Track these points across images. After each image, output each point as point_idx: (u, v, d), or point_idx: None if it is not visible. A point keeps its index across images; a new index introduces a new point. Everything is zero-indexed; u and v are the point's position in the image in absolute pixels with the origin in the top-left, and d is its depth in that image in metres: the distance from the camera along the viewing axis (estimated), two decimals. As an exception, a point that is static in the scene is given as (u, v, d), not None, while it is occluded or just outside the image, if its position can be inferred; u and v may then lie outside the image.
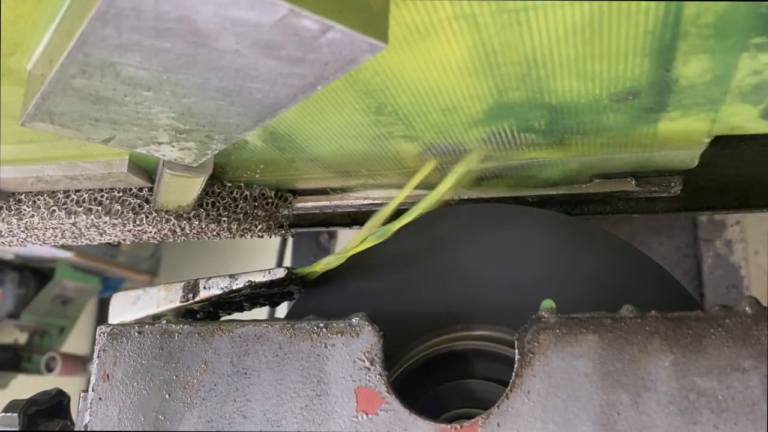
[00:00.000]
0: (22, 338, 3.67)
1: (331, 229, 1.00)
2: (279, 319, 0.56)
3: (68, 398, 0.74)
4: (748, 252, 1.25)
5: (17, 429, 0.69)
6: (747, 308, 0.45)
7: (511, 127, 0.54)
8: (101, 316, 4.77)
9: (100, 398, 0.57)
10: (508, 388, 0.48)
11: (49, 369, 3.22)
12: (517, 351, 0.48)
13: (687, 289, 0.56)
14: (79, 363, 3.54)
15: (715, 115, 0.50)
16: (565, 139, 0.56)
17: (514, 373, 0.48)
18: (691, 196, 0.72)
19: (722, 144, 0.66)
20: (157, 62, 0.36)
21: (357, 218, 0.81)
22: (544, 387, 0.47)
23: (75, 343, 4.14)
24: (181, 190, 0.64)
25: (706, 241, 1.24)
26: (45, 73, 0.41)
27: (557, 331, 0.48)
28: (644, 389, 0.45)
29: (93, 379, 0.58)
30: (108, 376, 0.58)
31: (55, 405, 0.73)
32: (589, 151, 0.58)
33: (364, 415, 0.50)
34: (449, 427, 0.48)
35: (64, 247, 3.31)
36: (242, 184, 0.72)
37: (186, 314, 0.66)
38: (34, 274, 3.66)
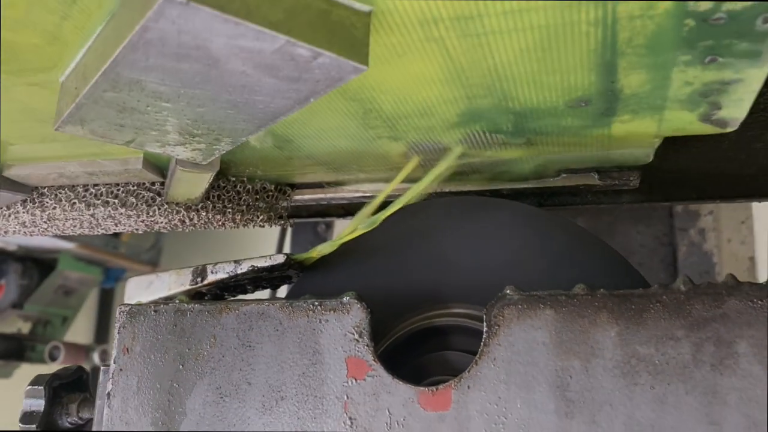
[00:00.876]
0: (25, 328, 3.74)
1: (327, 219, 1.06)
2: (279, 299, 0.64)
3: (87, 373, 0.82)
4: (720, 240, 1.32)
5: (43, 400, 0.77)
6: (681, 286, 0.53)
7: (482, 128, 0.61)
8: (103, 307, 4.84)
9: (120, 369, 0.65)
10: (477, 356, 0.55)
11: (53, 358, 3.28)
12: (485, 324, 0.56)
13: (637, 270, 0.63)
14: (82, 352, 3.61)
15: (660, 119, 0.58)
16: (531, 139, 0.63)
17: (482, 343, 0.55)
18: (653, 188, 0.80)
19: (675, 143, 0.73)
20: (176, 80, 0.44)
21: (350, 209, 0.88)
22: (507, 354, 0.54)
23: (77, 332, 4.21)
24: (191, 184, 0.71)
25: (682, 230, 1.31)
26: (79, 87, 0.48)
27: (519, 306, 0.55)
28: (593, 356, 0.53)
29: (114, 352, 0.66)
30: (128, 349, 0.65)
31: (75, 379, 0.80)
32: (553, 150, 0.65)
33: (354, 381, 0.58)
34: (426, 389, 0.56)
35: (66, 238, 3.38)
36: (245, 179, 0.79)
37: (195, 296, 0.74)
38: (37, 265, 3.72)
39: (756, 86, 0.51)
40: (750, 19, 0.42)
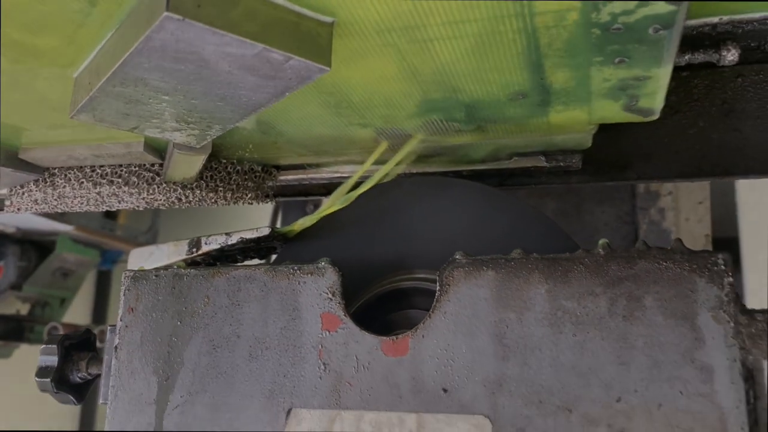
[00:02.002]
0: (24, 309, 3.82)
1: (315, 198, 1.16)
2: (264, 264, 0.73)
3: (95, 335, 0.91)
4: (679, 219, 1.43)
5: (56, 357, 0.86)
6: (600, 250, 0.63)
7: (439, 117, 0.70)
8: (100, 288, 4.92)
9: (126, 326, 0.75)
10: (431, 310, 0.65)
11: (52, 338, 3.37)
12: (438, 284, 0.66)
13: (572, 238, 0.73)
14: (80, 332, 3.69)
15: (589, 109, 0.67)
16: (482, 126, 0.72)
17: (435, 300, 0.65)
18: (598, 169, 0.89)
19: (617, 129, 0.83)
20: (174, 78, 0.53)
21: (329, 188, 0.98)
22: (455, 308, 0.64)
23: (75, 313, 4.29)
24: (186, 165, 0.81)
25: (643, 209, 1.41)
26: (92, 82, 0.57)
27: (466, 268, 0.65)
28: (526, 309, 0.63)
29: (120, 311, 0.75)
30: (132, 309, 0.75)
31: (84, 340, 0.90)
32: (502, 135, 0.75)
33: (327, 332, 0.68)
34: (388, 338, 0.66)
35: (64, 221, 3.45)
36: (235, 161, 0.88)
37: (190, 265, 0.83)
38: (36, 247, 3.80)
39: (664, 82, 0.61)
40: (643, 29, 0.51)
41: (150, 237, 4.20)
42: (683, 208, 1.43)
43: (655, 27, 0.51)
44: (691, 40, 0.69)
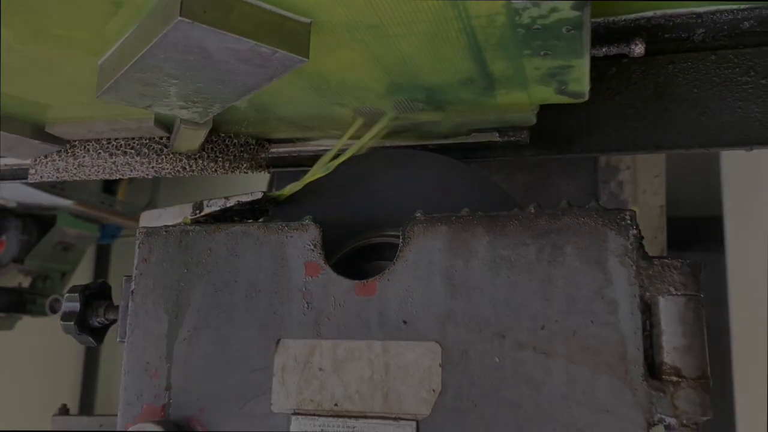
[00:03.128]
0: (26, 282, 3.95)
1: (303, 169, 1.28)
2: (257, 222, 0.87)
3: (110, 287, 1.05)
4: (637, 191, 1.57)
5: (78, 303, 1.00)
6: (532, 209, 0.76)
7: (404, 98, 0.84)
8: (99, 262, 5.06)
9: (141, 274, 0.88)
10: (395, 259, 0.79)
11: (53, 310, 3.50)
12: (401, 237, 0.79)
13: (515, 199, 0.87)
14: (81, 304, 3.82)
15: (528, 93, 0.80)
16: (442, 106, 0.86)
17: (398, 250, 0.79)
18: (548, 143, 1.03)
19: (561, 110, 0.96)
20: (183, 66, 0.66)
21: (315, 160, 1.11)
22: (415, 257, 0.78)
23: (76, 286, 4.43)
24: (191, 138, 0.94)
25: (603, 182, 1.55)
26: (115, 68, 0.71)
27: (424, 224, 0.79)
28: (471, 257, 0.77)
29: (136, 262, 0.89)
30: (146, 260, 0.89)
31: (101, 290, 1.04)
32: (460, 114, 0.88)
33: (310, 277, 0.82)
34: (360, 282, 0.79)
35: (64, 195, 3.57)
36: (232, 135, 1.02)
37: (195, 223, 0.97)
38: (37, 222, 3.91)
39: (585, 70, 0.74)
40: (557, 29, 0.64)
41: (149, 212, 4.31)
42: (641, 182, 1.57)
43: (567, 27, 0.64)
44: (608, 35, 0.82)
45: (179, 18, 0.57)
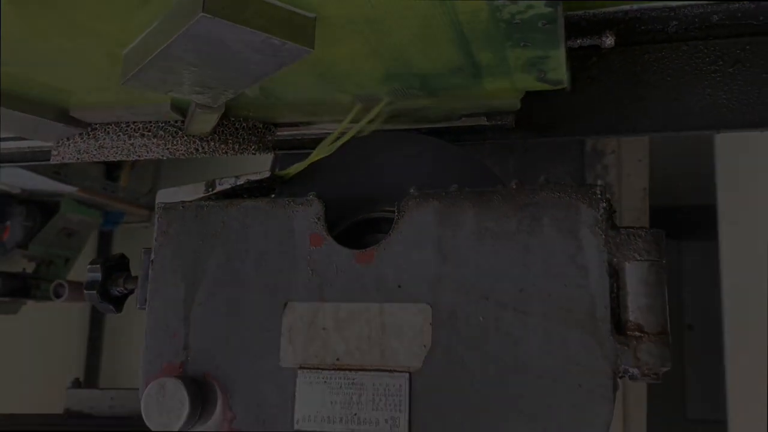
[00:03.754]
0: (30, 267, 4.02)
1: (307, 150, 1.36)
2: (266, 197, 0.96)
3: (128, 259, 1.14)
4: (621, 174, 1.65)
5: (100, 273, 1.09)
6: (513, 185, 0.85)
7: (400, 85, 0.92)
8: (102, 248, 5.14)
9: (160, 245, 0.97)
10: (390, 231, 0.88)
11: (58, 295, 3.56)
12: (396, 211, 0.88)
13: (499, 177, 0.96)
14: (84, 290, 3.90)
15: (512, 80, 0.89)
16: (434, 93, 0.94)
17: (394, 223, 0.88)
18: (534, 127, 1.11)
19: (546, 96, 1.05)
20: (203, 56, 0.74)
21: (318, 142, 1.19)
22: (408, 229, 0.87)
23: (80, 272, 4.50)
24: (204, 121, 1.02)
25: (590, 166, 1.64)
26: (140, 58, 0.79)
27: (417, 199, 0.87)
28: (459, 227, 0.85)
29: (155, 234, 0.98)
30: (164, 232, 0.97)
31: (120, 262, 1.12)
32: (451, 100, 0.97)
33: (314, 248, 0.90)
34: (359, 251, 0.88)
35: (67, 182, 3.64)
36: (242, 119, 1.10)
37: (208, 199, 1.05)
38: (40, 208, 3.98)
39: (562, 60, 0.82)
40: (534, 23, 0.73)
41: (150, 199, 4.37)
42: (625, 165, 1.65)
43: (543, 21, 0.72)
44: (589, 27, 0.90)
45: (202, 13, 0.65)
